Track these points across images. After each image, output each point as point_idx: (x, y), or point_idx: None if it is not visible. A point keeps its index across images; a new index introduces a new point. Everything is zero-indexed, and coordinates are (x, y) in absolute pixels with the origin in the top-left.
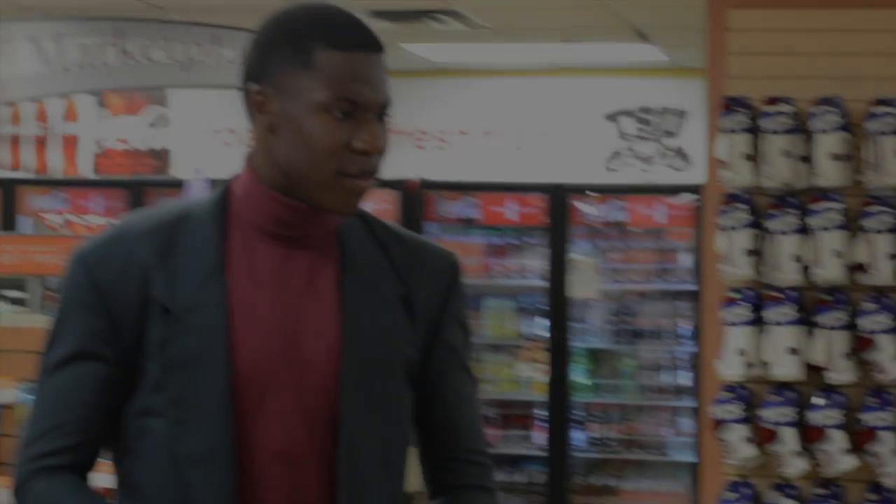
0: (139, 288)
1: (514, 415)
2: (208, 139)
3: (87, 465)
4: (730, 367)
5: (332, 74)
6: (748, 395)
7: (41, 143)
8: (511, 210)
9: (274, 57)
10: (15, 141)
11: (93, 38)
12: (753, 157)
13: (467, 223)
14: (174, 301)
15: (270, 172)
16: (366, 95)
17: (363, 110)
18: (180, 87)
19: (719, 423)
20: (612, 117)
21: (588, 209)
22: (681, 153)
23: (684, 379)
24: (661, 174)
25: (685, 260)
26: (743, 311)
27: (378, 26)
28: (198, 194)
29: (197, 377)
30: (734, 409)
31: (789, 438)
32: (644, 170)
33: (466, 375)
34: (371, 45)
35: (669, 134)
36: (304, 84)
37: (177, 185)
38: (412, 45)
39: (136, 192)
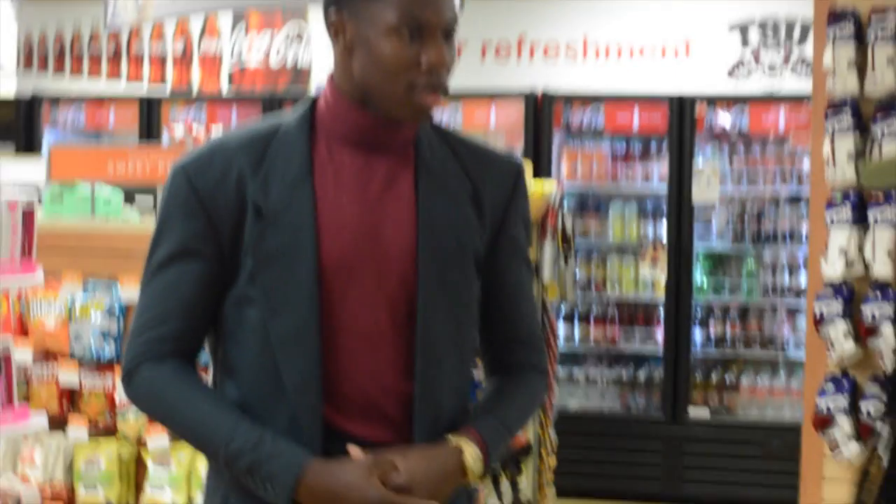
0: (236, 193)
1: (638, 314)
2: None
3: (192, 352)
4: (832, 267)
5: None
6: (849, 293)
7: (182, 59)
8: (635, 119)
9: None
10: (158, 57)
11: None
12: (860, 66)
13: (593, 131)
14: (267, 203)
15: (350, 88)
16: (430, 17)
17: (429, 31)
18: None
19: (822, 320)
20: (736, 27)
21: (711, 117)
22: (806, 62)
23: (803, 280)
24: (788, 83)
25: (808, 165)
26: (845, 213)
27: None
28: None
29: (287, 268)
30: (835, 306)
31: (888, 334)
32: (770, 78)
33: (527, 267)
34: None
35: (794, 43)
36: (375, 9)
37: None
38: None
39: (271, 107)
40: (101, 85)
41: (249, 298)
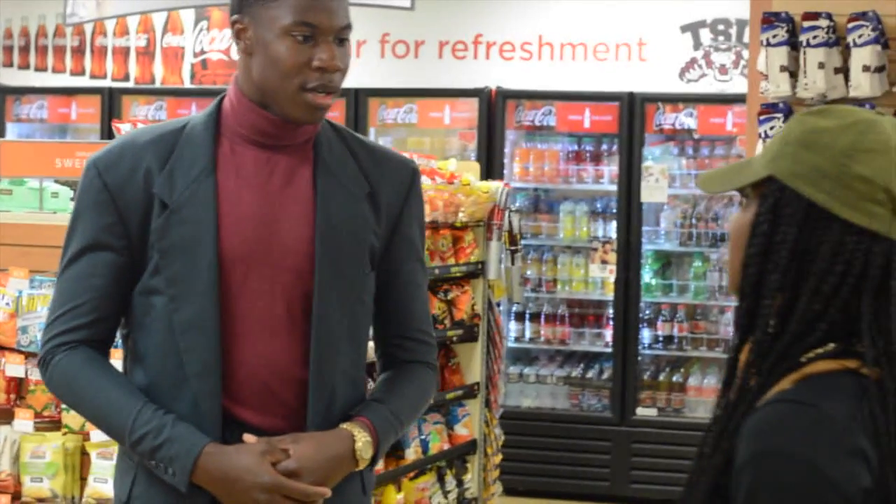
0: (144, 188)
1: (587, 314)
2: None
3: (104, 340)
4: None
5: (295, 3)
6: None
7: (145, 53)
8: (587, 118)
9: None
10: (121, 52)
11: None
12: (792, 71)
13: (545, 130)
14: (171, 196)
15: (250, 89)
16: (322, 21)
17: (322, 34)
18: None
19: None
20: (688, 29)
21: (661, 117)
22: None
23: None
24: (737, 84)
25: None
26: None
27: None
28: None
29: (189, 259)
30: None
31: None
32: (720, 80)
33: (420, 266)
34: None
35: (744, 45)
36: (272, 13)
37: None
38: None
39: None
40: (65, 79)
41: (155, 289)
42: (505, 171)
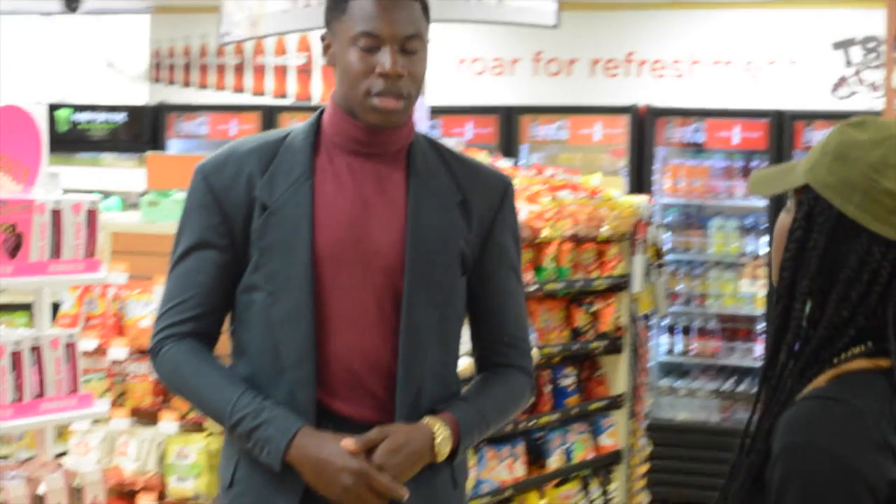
0: (246, 191)
1: (738, 328)
2: (462, 69)
3: (209, 333)
4: None
5: (359, 14)
6: None
7: (304, 71)
8: (736, 135)
9: (329, 10)
10: (280, 70)
11: None
12: None
13: (695, 147)
14: (271, 199)
15: (340, 100)
16: (384, 30)
17: (385, 42)
18: None
19: None
20: (839, 46)
21: (810, 134)
22: None
23: None
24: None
25: None
26: None
27: None
28: (417, 116)
29: (287, 257)
30: None
31: None
32: (872, 97)
33: (513, 274)
34: None
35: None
36: (344, 26)
37: (434, 111)
38: None
39: None
40: (226, 97)
41: (255, 285)
42: (654, 188)
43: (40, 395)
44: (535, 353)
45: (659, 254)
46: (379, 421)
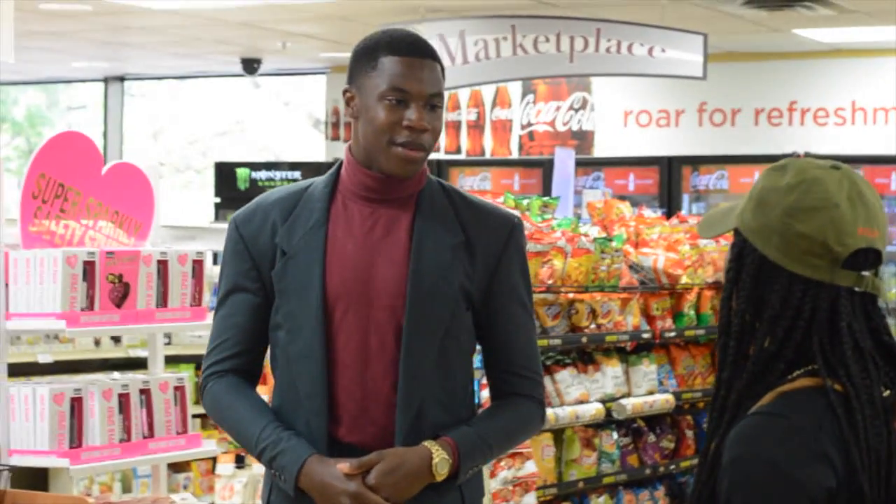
0: (271, 238)
1: None
2: (629, 121)
3: (249, 370)
4: None
5: (389, 71)
6: None
7: (475, 127)
8: (894, 181)
9: (356, 65)
10: (453, 126)
11: (491, 34)
12: None
13: None
14: (290, 245)
15: (358, 151)
16: (412, 87)
17: (413, 99)
18: (563, 76)
19: None
20: None
21: None
22: None
23: None
24: None
25: None
26: None
27: (752, 15)
28: (562, 167)
29: (302, 299)
30: None
31: None
32: None
33: (521, 308)
34: (421, 52)
35: None
36: (373, 82)
37: (595, 163)
38: (804, 30)
39: (549, 171)
40: None
41: (278, 325)
42: None
43: (150, 435)
44: (670, 398)
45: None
46: (381, 446)
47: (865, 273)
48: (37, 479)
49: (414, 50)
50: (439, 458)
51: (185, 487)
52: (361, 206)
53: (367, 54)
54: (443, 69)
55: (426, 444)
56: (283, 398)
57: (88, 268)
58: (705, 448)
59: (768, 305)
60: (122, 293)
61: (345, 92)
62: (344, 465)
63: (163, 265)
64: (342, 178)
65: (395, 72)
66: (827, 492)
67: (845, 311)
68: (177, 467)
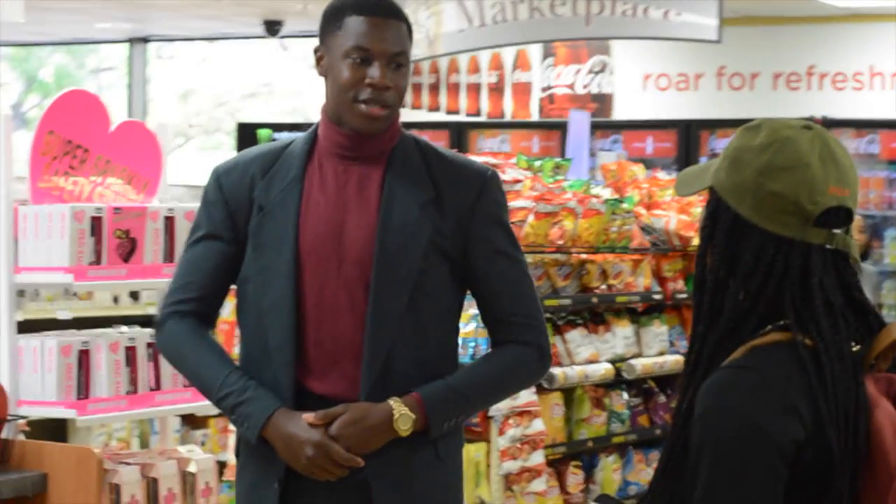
0: (248, 192)
1: None
2: (648, 84)
3: (208, 314)
4: None
5: (353, 31)
6: None
7: (496, 90)
8: None
9: (325, 25)
10: (473, 88)
11: None
12: None
13: (869, 158)
14: (266, 200)
15: (329, 109)
16: (375, 46)
17: (375, 57)
18: (578, 39)
19: None
20: None
21: None
22: None
23: None
24: None
25: None
26: None
27: None
28: (577, 130)
29: (275, 252)
30: None
31: None
32: None
33: (503, 257)
34: (385, 12)
35: None
36: (338, 41)
37: (613, 126)
38: None
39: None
40: (422, 115)
41: (248, 277)
42: None
43: (156, 388)
44: (680, 359)
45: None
46: (350, 398)
47: (836, 231)
48: (56, 432)
49: (378, 10)
50: (400, 413)
51: (203, 444)
52: (335, 163)
53: (334, 14)
54: (409, 28)
55: (390, 400)
56: (251, 349)
57: (96, 223)
58: (679, 400)
59: (741, 262)
60: (129, 248)
61: (315, 51)
62: (309, 416)
63: (170, 221)
64: (319, 137)
65: (360, 31)
66: (795, 443)
67: (816, 268)
68: (194, 424)
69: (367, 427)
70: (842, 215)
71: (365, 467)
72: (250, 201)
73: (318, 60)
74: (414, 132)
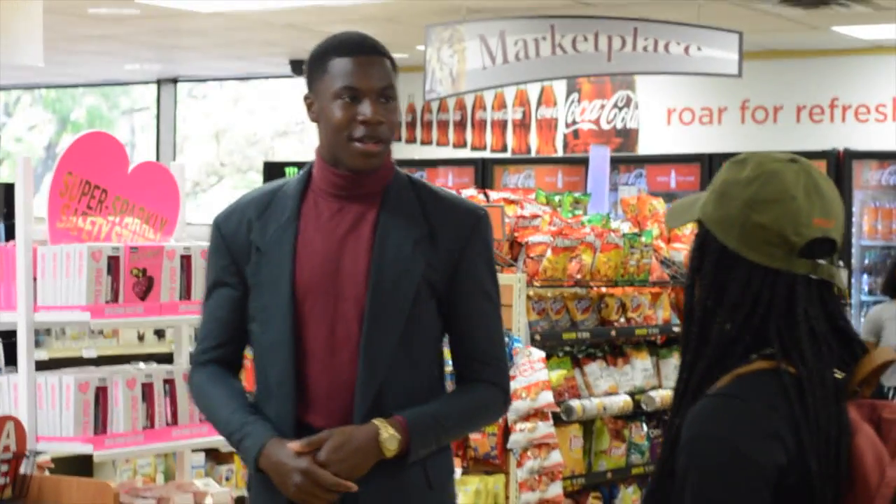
0: (247, 235)
1: None
2: (672, 119)
3: (229, 360)
4: None
5: (339, 72)
6: None
7: (521, 126)
8: None
9: (311, 72)
10: (499, 125)
11: (531, 34)
12: None
13: (892, 190)
14: (263, 241)
15: (324, 151)
16: (363, 84)
17: (364, 94)
18: (600, 75)
19: None
20: None
21: None
22: None
23: None
24: None
25: None
26: None
27: (789, 13)
28: (597, 164)
29: (273, 292)
30: None
31: None
32: None
33: (485, 299)
34: (367, 50)
35: None
36: (325, 84)
37: (637, 160)
38: (843, 28)
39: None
40: (447, 152)
41: (252, 317)
42: (853, 230)
43: (174, 423)
44: None
45: (842, 294)
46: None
47: (821, 261)
48: (80, 469)
49: (361, 49)
50: (387, 434)
51: (228, 479)
52: (330, 202)
53: (318, 60)
54: (393, 64)
55: (375, 421)
56: (258, 385)
57: (113, 262)
58: (667, 428)
59: (729, 292)
60: (145, 286)
61: (305, 98)
62: (295, 444)
63: (186, 260)
64: (314, 177)
65: (345, 71)
66: (778, 469)
67: (802, 298)
68: (219, 459)
69: (353, 449)
70: (827, 246)
71: (359, 496)
72: (249, 244)
73: (309, 107)
74: (439, 169)
